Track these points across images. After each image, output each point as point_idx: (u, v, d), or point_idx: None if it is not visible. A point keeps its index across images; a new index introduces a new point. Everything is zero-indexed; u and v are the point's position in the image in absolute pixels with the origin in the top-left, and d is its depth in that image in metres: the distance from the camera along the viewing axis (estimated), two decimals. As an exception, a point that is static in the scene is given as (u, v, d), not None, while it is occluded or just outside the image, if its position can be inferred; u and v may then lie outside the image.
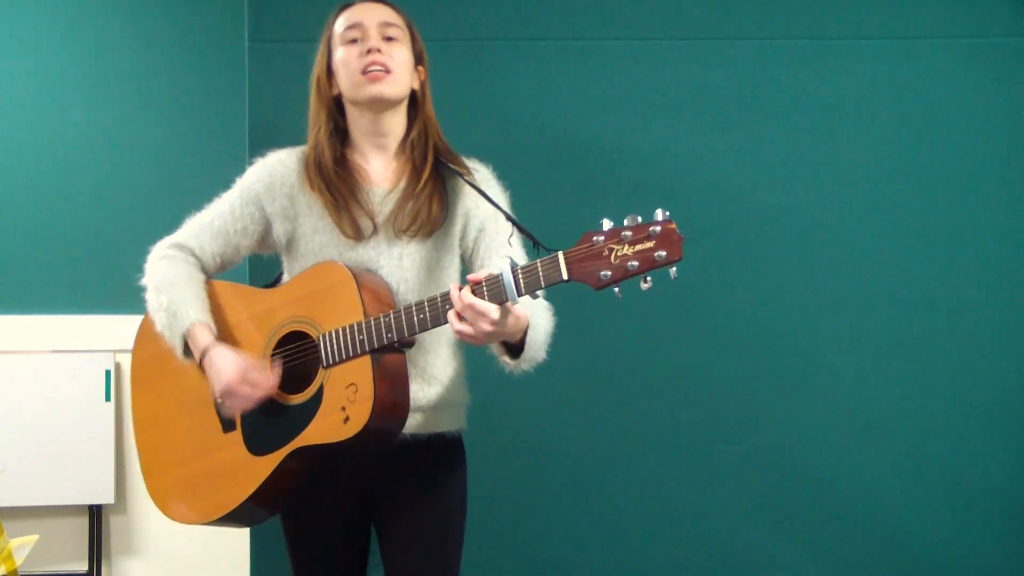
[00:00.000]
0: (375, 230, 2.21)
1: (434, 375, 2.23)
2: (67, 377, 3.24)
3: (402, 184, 2.24)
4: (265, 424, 2.18)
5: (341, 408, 2.09)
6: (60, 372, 3.24)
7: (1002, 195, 3.07)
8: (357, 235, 2.20)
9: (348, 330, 2.10)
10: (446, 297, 2.01)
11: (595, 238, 1.88)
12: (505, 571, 2.97)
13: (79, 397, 3.23)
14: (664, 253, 1.83)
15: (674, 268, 1.86)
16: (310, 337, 2.16)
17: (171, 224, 3.24)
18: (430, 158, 2.24)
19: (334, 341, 2.12)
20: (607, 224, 1.88)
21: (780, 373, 3.03)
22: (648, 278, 1.86)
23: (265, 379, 2.15)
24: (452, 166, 2.25)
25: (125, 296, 3.24)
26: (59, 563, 3.22)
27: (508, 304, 1.97)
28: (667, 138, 3.04)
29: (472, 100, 2.98)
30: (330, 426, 2.10)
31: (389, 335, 2.07)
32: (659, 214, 1.85)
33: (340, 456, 2.17)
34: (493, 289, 1.96)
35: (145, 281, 2.30)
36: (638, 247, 1.85)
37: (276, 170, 2.28)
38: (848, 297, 3.04)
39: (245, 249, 2.31)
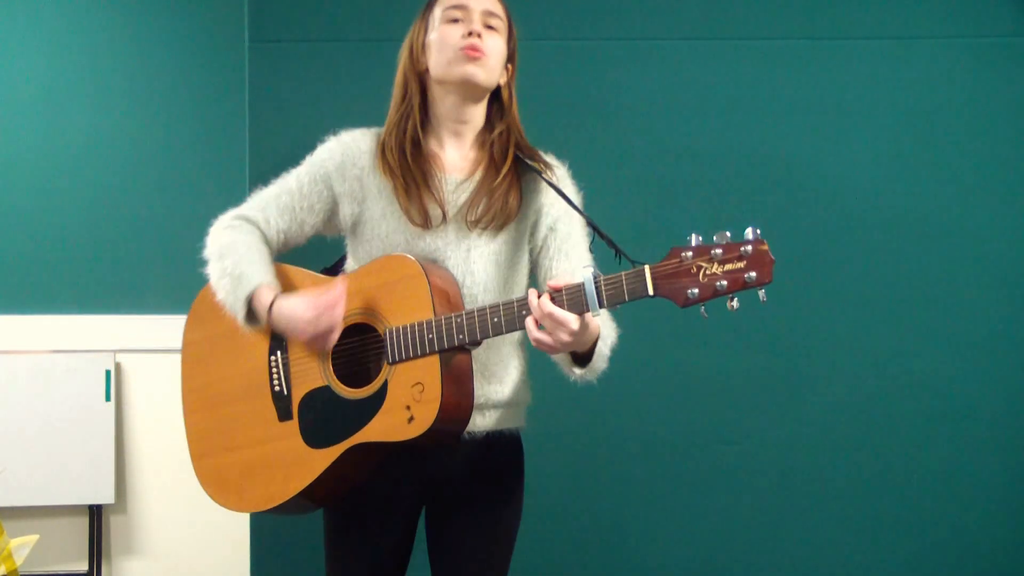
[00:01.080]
0: (444, 220, 2.16)
1: (495, 372, 2.19)
2: (67, 377, 3.23)
3: (478, 175, 2.19)
4: (324, 416, 2.14)
5: (406, 407, 2.05)
6: (60, 372, 3.23)
7: (1002, 195, 3.07)
8: (425, 223, 2.15)
9: (416, 327, 2.05)
10: (523, 303, 1.97)
11: (684, 254, 1.84)
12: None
13: (79, 397, 3.23)
14: (755, 275, 1.80)
15: (763, 291, 1.81)
16: (374, 330, 2.12)
17: (171, 224, 3.28)
18: (511, 154, 2.19)
19: (401, 337, 2.07)
20: (695, 239, 1.84)
21: (780, 373, 3.03)
22: (735, 298, 1.81)
23: (335, 295, 2.06)
24: (531, 162, 2.20)
25: (125, 296, 3.29)
26: (59, 563, 3.22)
27: (588, 315, 1.93)
28: (666, 138, 3.04)
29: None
30: (394, 424, 2.06)
31: (460, 336, 2.02)
32: (750, 232, 1.82)
33: (399, 454, 2.14)
34: (573, 298, 1.91)
35: (207, 251, 2.21)
36: (728, 266, 1.81)
37: (349, 149, 2.22)
38: (848, 297, 3.04)
39: (310, 228, 2.24)
